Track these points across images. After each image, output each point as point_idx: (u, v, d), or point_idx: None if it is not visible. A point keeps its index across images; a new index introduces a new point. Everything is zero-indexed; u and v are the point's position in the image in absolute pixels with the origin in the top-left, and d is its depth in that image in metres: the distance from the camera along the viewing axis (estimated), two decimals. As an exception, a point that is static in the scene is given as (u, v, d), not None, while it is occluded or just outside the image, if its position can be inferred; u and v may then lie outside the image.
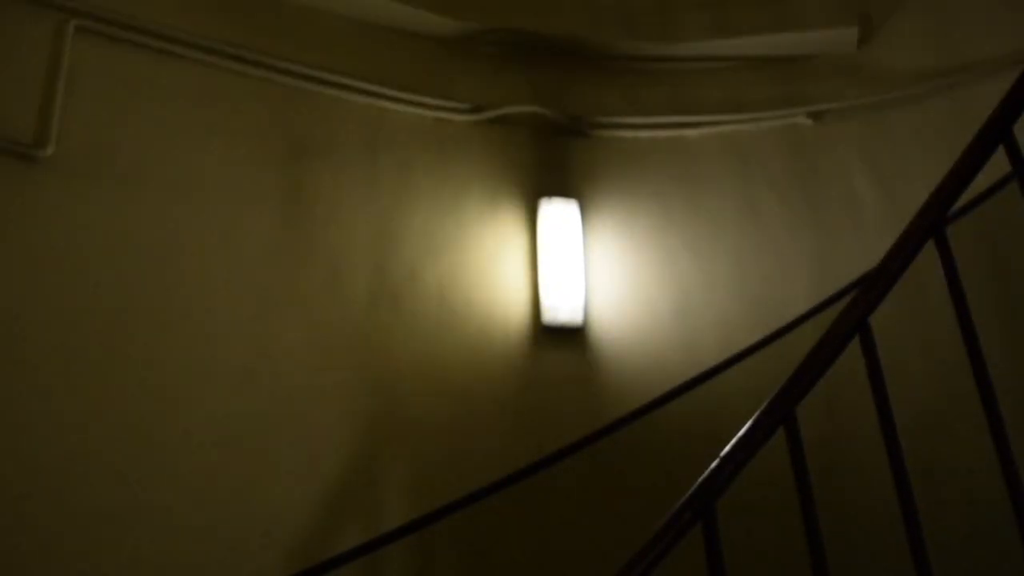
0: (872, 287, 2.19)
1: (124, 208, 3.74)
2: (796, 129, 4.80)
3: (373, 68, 4.49)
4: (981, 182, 2.51)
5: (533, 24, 4.80)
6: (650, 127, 4.91)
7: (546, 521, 4.00)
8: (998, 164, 2.27)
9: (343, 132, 4.39)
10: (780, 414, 2.09)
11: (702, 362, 4.03)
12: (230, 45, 4.15)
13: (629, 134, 4.91)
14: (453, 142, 4.63)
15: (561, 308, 4.42)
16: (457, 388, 4.17)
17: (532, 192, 4.69)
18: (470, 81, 4.74)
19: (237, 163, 4.08)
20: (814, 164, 4.71)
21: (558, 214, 4.62)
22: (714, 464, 2.07)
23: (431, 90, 4.61)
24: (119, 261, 3.67)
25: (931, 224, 2.21)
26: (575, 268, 4.52)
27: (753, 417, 2.11)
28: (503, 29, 4.77)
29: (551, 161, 4.79)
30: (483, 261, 4.47)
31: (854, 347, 2.15)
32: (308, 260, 4.10)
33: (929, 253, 2.20)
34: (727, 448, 2.08)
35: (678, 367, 4.14)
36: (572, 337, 4.45)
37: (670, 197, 4.78)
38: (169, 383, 3.61)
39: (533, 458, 3.77)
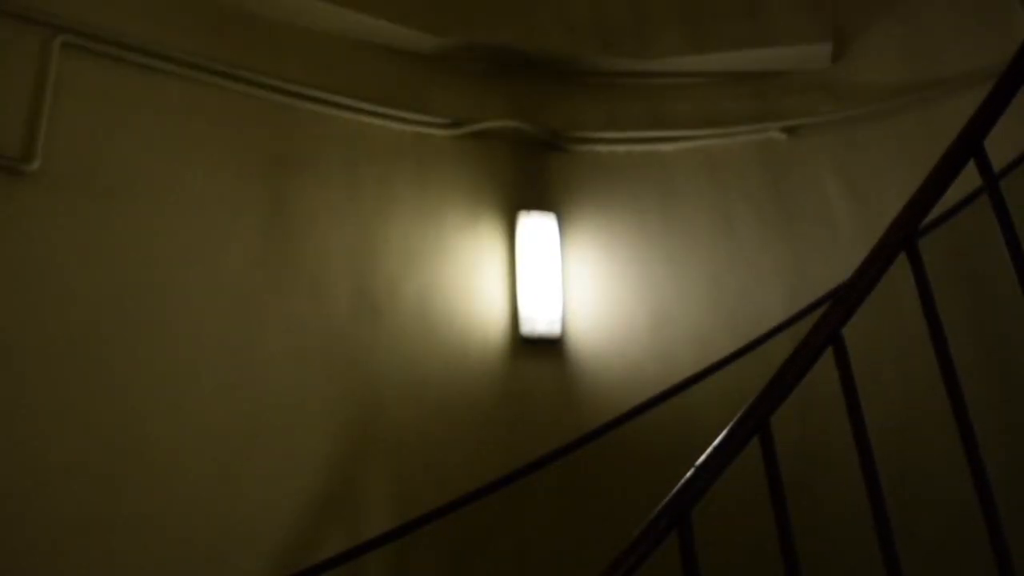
0: (845, 299, 2.20)
1: (109, 221, 3.74)
2: (770, 144, 4.83)
3: (354, 83, 4.51)
4: (953, 195, 2.54)
5: (511, 40, 4.83)
6: (627, 142, 4.94)
7: (524, 530, 4.02)
8: (970, 178, 2.30)
9: (324, 146, 4.41)
10: (755, 423, 2.11)
11: (678, 373, 4.06)
12: (214, 61, 4.16)
13: (606, 148, 4.94)
14: (432, 156, 4.66)
15: (539, 319, 4.46)
16: (436, 398, 4.20)
17: (510, 206, 4.72)
18: (449, 96, 4.77)
19: (220, 177, 4.09)
20: (788, 178, 4.75)
21: (536, 227, 4.65)
22: (689, 473, 2.08)
23: (411, 105, 4.64)
24: (104, 273, 3.67)
25: (903, 237, 2.23)
26: (553, 280, 4.55)
27: (728, 427, 2.12)
28: (482, 45, 4.80)
29: (529, 175, 4.82)
30: (462, 273, 4.49)
31: (827, 358, 2.18)
32: (290, 273, 4.11)
33: (902, 265, 2.22)
34: (702, 457, 2.09)
35: (654, 377, 4.17)
36: (550, 348, 4.48)
37: (646, 211, 4.81)
38: (152, 394, 3.62)
39: (511, 467, 3.78)
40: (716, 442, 2.11)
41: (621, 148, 4.95)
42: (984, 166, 2.26)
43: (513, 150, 4.84)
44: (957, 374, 2.05)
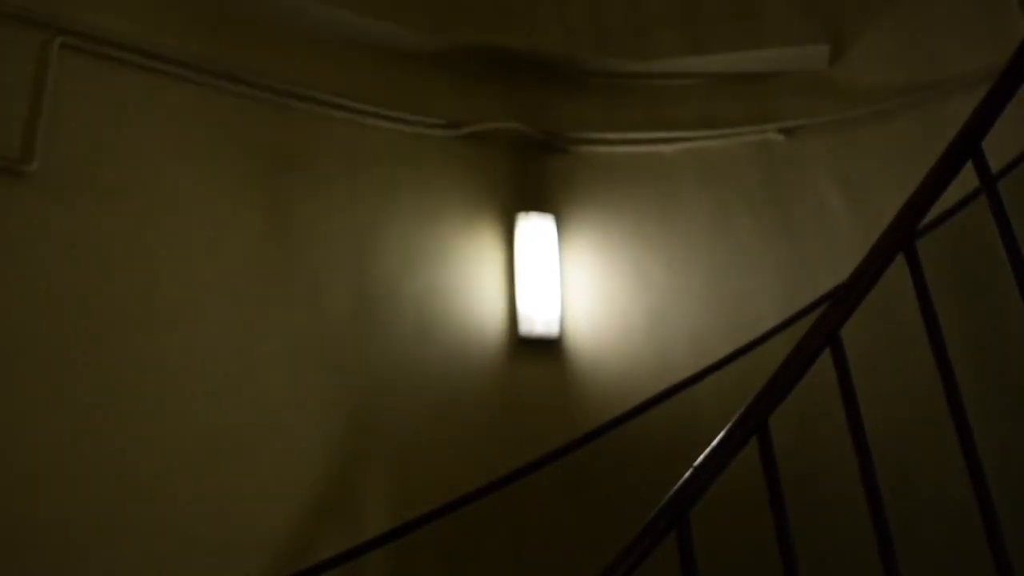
0: (843, 300, 2.21)
1: (107, 222, 3.74)
2: (768, 145, 4.84)
3: (353, 85, 4.51)
4: (950, 196, 2.54)
5: (510, 41, 4.84)
6: (625, 143, 4.95)
7: (523, 530, 4.02)
8: (968, 178, 2.30)
9: (324, 148, 4.41)
10: (753, 424, 2.11)
11: (676, 373, 4.05)
12: (213, 62, 4.16)
13: (605, 150, 4.95)
14: (431, 158, 4.66)
15: (537, 320, 4.46)
16: (435, 398, 4.20)
17: (509, 207, 4.73)
18: (448, 98, 4.77)
19: (219, 178, 4.09)
20: (786, 179, 4.76)
21: (535, 228, 4.65)
22: (688, 473, 2.08)
23: (410, 107, 4.64)
24: (102, 275, 3.67)
25: (901, 238, 2.23)
26: (551, 281, 4.56)
27: (727, 427, 2.13)
28: (481, 46, 4.80)
29: (528, 176, 4.83)
30: (461, 274, 4.50)
31: (826, 358, 2.18)
32: (289, 274, 4.12)
33: (899, 266, 2.22)
34: (701, 458, 2.09)
35: (652, 378, 4.16)
36: (548, 349, 4.48)
37: (645, 211, 4.82)
38: (151, 395, 3.62)
39: (510, 467, 3.78)
40: (715, 443, 2.12)
41: (620, 149, 4.96)
42: (982, 167, 2.26)
43: (512, 151, 4.85)
44: (955, 374, 2.06)
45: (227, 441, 3.71)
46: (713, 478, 2.08)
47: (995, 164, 2.35)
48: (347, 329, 4.17)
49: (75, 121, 3.78)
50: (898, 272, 2.23)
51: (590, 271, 4.70)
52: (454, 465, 4.06)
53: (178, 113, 4.08)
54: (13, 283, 3.47)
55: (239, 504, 3.65)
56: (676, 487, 2.07)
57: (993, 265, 2.29)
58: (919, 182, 2.31)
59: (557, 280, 4.59)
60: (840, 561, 3.44)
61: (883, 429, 2.39)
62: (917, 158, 2.55)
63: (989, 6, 4.50)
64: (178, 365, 3.72)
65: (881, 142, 4.59)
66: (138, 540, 3.41)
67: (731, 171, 4.85)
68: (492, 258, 4.61)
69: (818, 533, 3.03)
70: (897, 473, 2.55)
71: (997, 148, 2.41)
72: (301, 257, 4.17)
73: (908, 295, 2.18)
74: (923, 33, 4.68)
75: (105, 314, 3.63)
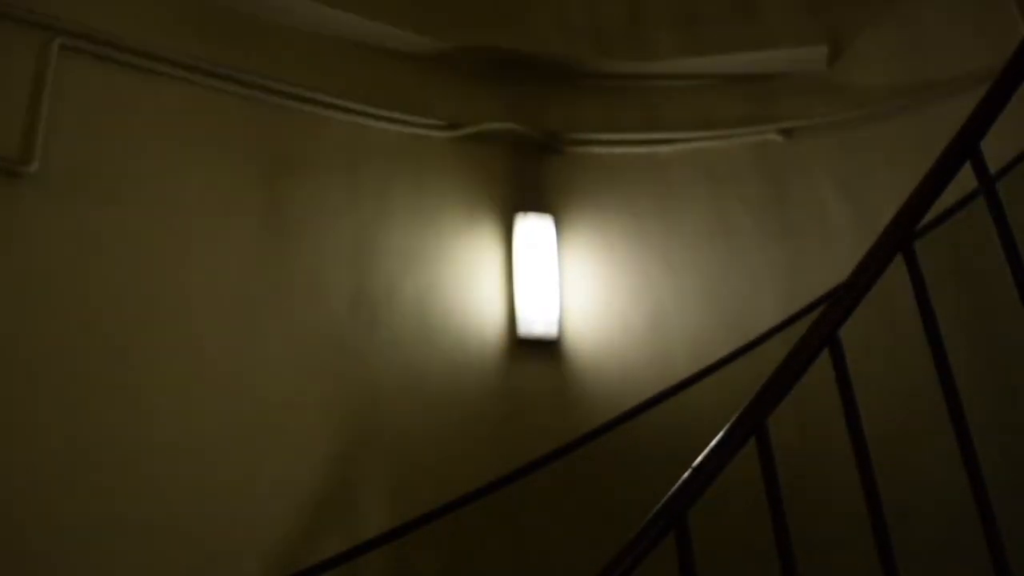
0: (841, 301, 2.20)
1: (107, 222, 3.75)
2: (767, 146, 4.84)
3: (352, 86, 4.52)
4: (949, 197, 2.54)
5: (509, 42, 4.84)
6: (624, 144, 4.95)
7: (521, 531, 4.02)
8: (967, 179, 2.30)
9: (323, 149, 4.42)
10: (751, 425, 2.11)
11: (674, 374, 4.05)
12: (213, 64, 4.17)
13: (603, 150, 4.95)
14: (430, 158, 4.67)
15: (536, 321, 4.46)
16: (434, 398, 4.21)
17: (508, 207, 4.74)
18: (447, 98, 4.77)
19: (219, 179, 4.10)
20: (785, 180, 4.76)
21: (533, 229, 4.66)
22: (686, 474, 2.08)
23: (409, 107, 4.64)
24: (102, 275, 3.68)
25: (899, 239, 2.23)
26: (550, 282, 4.56)
27: (725, 428, 2.12)
28: (479, 47, 4.80)
29: (527, 177, 4.83)
30: (460, 275, 4.50)
31: (824, 359, 2.18)
32: (289, 274, 4.13)
33: (898, 267, 2.22)
34: (699, 459, 2.09)
35: (651, 379, 4.16)
36: (547, 349, 4.49)
37: (643, 212, 4.82)
38: (151, 395, 3.63)
39: (509, 468, 3.78)
40: (713, 443, 2.11)
41: (618, 150, 4.96)
42: (980, 168, 2.26)
43: (510, 152, 4.85)
44: (954, 375, 2.06)
45: (227, 441, 3.72)
46: (712, 479, 2.07)
47: (994, 164, 2.35)
48: (346, 329, 4.18)
49: (75, 121, 3.79)
50: (897, 273, 2.23)
51: (589, 272, 4.71)
52: (453, 465, 4.06)
53: (178, 113, 4.09)
54: (11, 284, 3.47)
55: (239, 504, 3.66)
56: (675, 488, 2.06)
57: (992, 265, 2.28)
58: (918, 183, 2.31)
59: (556, 281, 4.60)
60: (839, 561, 3.44)
61: (882, 429, 2.39)
62: (916, 159, 2.54)
63: (987, 7, 4.50)
64: (178, 365, 3.73)
65: (880, 143, 4.59)
66: (137, 540, 3.41)
67: (730, 172, 4.86)
68: (491, 259, 4.62)
69: (817, 533, 3.03)
70: (896, 473, 2.55)
71: (996, 147, 2.41)
72: (300, 257, 4.18)
73: (907, 295, 2.18)
74: (921, 34, 4.68)
75: (104, 314, 3.63)
